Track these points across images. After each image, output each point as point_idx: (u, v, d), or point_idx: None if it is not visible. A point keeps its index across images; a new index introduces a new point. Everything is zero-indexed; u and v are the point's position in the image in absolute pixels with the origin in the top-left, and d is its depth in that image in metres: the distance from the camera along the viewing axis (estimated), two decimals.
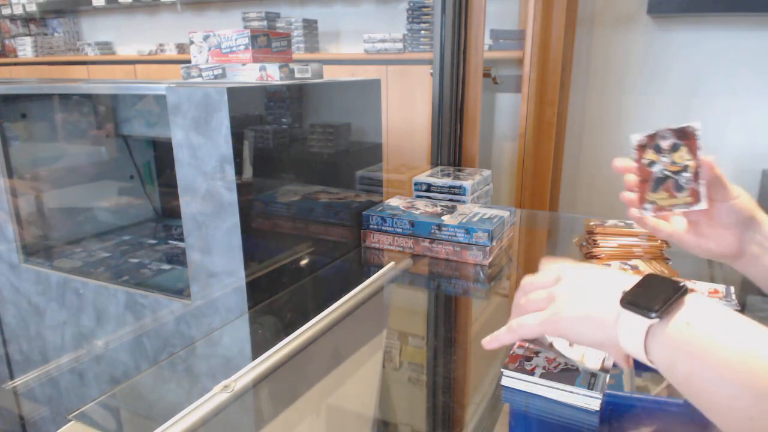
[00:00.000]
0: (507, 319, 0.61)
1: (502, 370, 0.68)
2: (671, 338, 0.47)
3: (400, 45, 2.77)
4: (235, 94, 0.88)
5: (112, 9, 3.89)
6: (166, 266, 1.27)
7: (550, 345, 0.68)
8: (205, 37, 1.15)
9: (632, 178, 0.65)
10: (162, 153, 1.62)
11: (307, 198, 1.11)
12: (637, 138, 0.64)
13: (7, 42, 4.32)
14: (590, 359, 0.68)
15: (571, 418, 0.63)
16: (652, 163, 0.63)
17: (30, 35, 4.22)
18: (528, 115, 2.11)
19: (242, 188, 0.91)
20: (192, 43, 1.17)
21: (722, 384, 0.43)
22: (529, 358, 0.70)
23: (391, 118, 2.59)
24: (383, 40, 2.79)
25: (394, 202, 1.32)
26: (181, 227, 0.99)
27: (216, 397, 0.69)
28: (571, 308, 0.55)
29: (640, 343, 0.48)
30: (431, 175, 1.43)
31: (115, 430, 0.73)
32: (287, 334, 0.83)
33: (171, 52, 3.64)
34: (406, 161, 2.43)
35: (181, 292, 1.07)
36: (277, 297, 1.02)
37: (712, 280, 0.95)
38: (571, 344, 0.69)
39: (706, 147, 0.59)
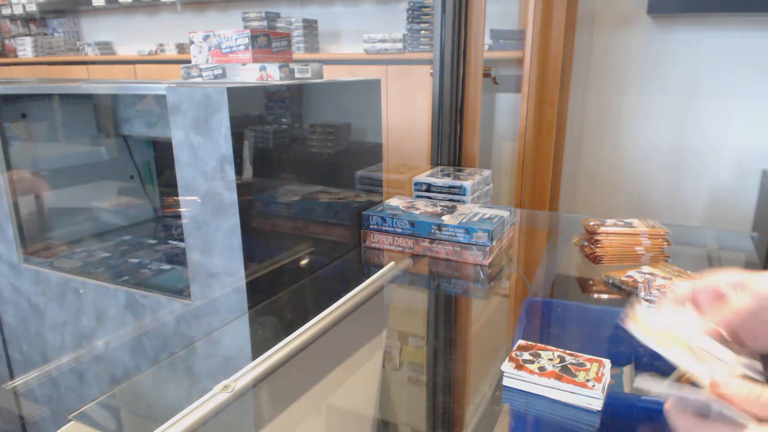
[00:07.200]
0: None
1: (502, 370, 0.68)
2: None
3: (400, 45, 2.77)
4: (235, 94, 0.88)
5: (112, 9, 3.89)
6: (166, 266, 1.27)
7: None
8: (205, 37, 1.15)
9: None
10: (162, 153, 1.62)
11: (307, 198, 1.11)
12: None
13: (7, 42, 4.32)
14: None
15: (571, 418, 0.63)
16: None
17: (30, 35, 4.22)
18: (528, 115, 2.11)
19: (242, 188, 0.91)
20: (192, 43, 1.17)
21: None
22: (529, 359, 0.70)
23: (391, 118, 2.59)
24: (383, 40, 2.79)
25: (394, 202, 1.32)
26: (181, 227, 0.99)
27: (216, 397, 0.68)
28: None
29: None
30: (431, 175, 1.43)
31: (115, 430, 0.73)
32: (287, 334, 0.83)
33: (171, 52, 3.64)
34: (406, 161, 2.43)
35: (181, 292, 1.07)
36: (277, 297, 1.02)
37: None
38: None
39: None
